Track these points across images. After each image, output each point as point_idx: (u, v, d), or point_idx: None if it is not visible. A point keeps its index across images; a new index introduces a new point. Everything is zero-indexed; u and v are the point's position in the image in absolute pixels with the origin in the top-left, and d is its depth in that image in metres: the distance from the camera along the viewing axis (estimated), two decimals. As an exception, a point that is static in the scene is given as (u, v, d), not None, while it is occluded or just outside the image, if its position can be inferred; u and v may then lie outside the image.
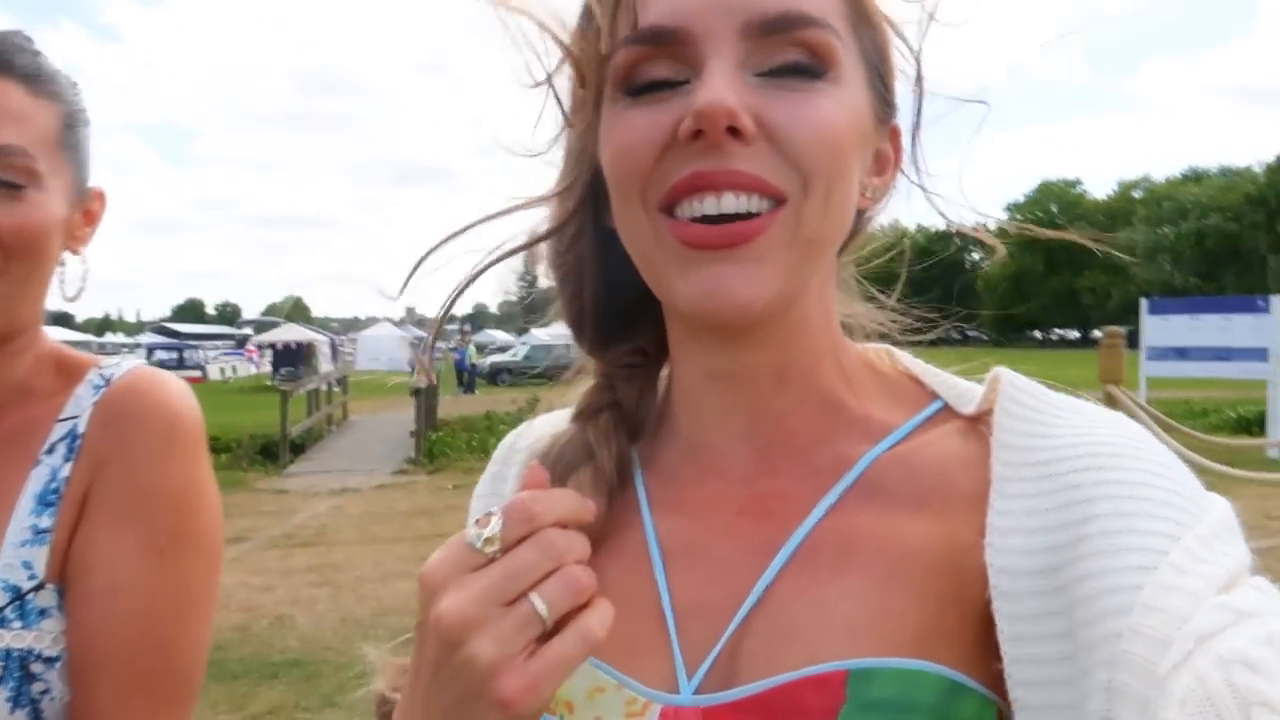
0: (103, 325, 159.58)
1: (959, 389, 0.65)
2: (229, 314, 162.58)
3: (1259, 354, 10.92)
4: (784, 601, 0.57)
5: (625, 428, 0.68)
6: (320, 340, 35.25)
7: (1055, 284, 66.68)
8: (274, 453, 14.40)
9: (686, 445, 0.67)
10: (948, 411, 0.64)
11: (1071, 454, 0.54)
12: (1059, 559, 0.50)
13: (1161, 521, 0.49)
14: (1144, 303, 12.49)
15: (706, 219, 0.56)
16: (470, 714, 0.49)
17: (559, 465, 0.64)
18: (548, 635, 0.50)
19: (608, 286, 0.69)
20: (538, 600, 0.49)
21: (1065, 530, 0.51)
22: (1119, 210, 68.02)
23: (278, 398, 14.88)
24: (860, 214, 0.66)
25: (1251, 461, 8.49)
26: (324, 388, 18.32)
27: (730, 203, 0.55)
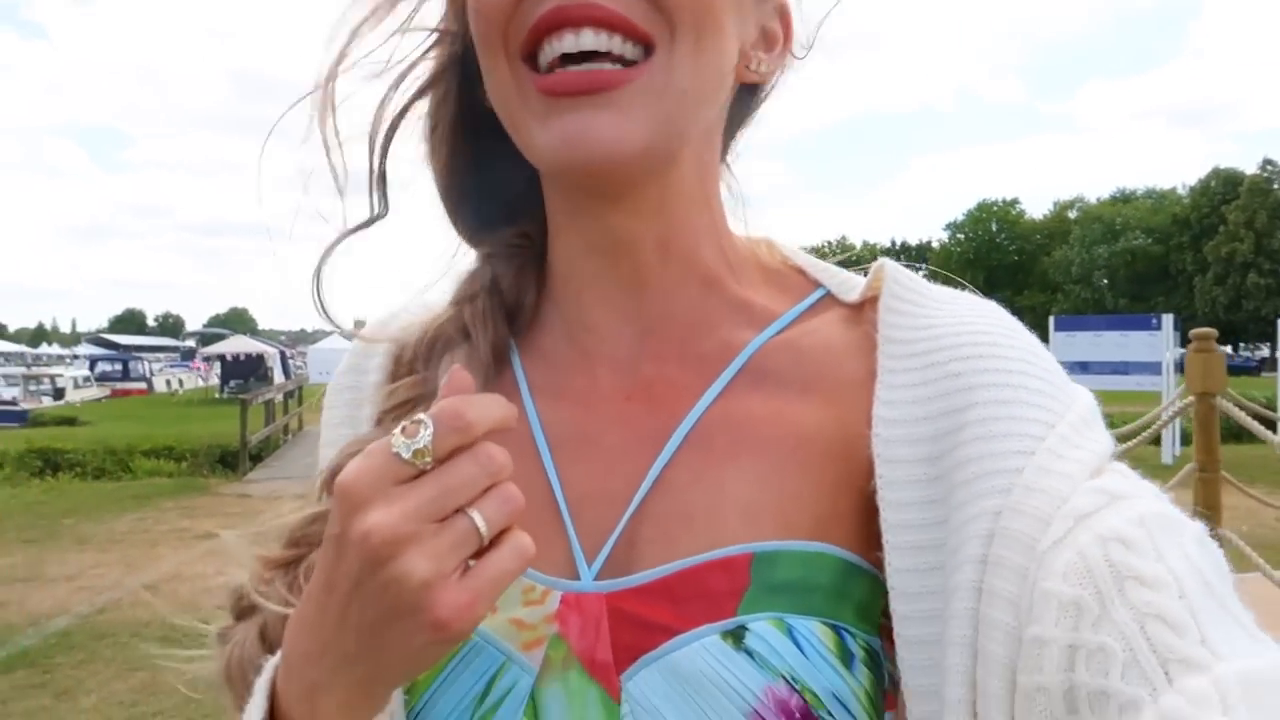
0: (37, 335, 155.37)
1: (840, 277, 0.65)
2: (171, 325, 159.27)
3: (1153, 368, 12.13)
4: (680, 486, 0.57)
5: (504, 312, 0.65)
6: (270, 353, 35.17)
7: (997, 301, 68.33)
8: (231, 462, 14.68)
9: (567, 329, 0.65)
10: (830, 299, 0.64)
11: (952, 344, 0.55)
12: (940, 447, 0.53)
13: (1036, 409, 0.52)
14: (1051, 320, 13.66)
15: (566, 60, 0.54)
16: (398, 632, 0.46)
17: (433, 347, 0.63)
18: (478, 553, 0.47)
19: (487, 170, 0.67)
20: (477, 516, 0.46)
21: (947, 418, 0.53)
22: (1056, 230, 70.23)
23: (226, 410, 15.18)
24: (752, 90, 0.67)
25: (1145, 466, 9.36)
26: (280, 399, 18.60)
27: (589, 39, 0.54)
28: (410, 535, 0.45)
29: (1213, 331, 4.30)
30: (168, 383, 43.67)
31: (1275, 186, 56.35)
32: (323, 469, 0.61)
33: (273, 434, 16.96)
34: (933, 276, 0.64)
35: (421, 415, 0.47)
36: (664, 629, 0.53)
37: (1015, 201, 73.86)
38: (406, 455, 0.46)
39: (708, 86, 0.58)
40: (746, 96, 0.67)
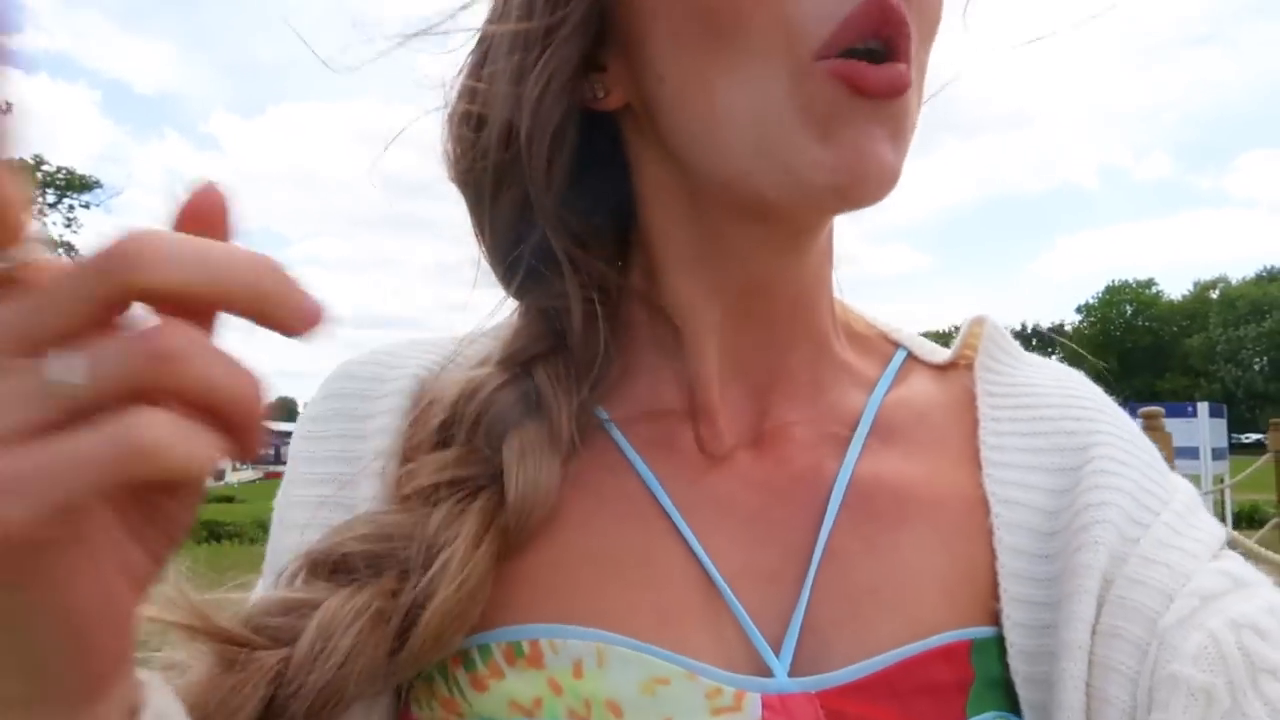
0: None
1: (916, 339, 0.61)
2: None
3: (1192, 452, 12.44)
4: (853, 557, 0.49)
5: (585, 374, 0.53)
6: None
7: (1137, 384, 65.79)
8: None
9: (675, 379, 0.55)
10: (912, 361, 0.59)
11: (1061, 402, 0.53)
12: (1059, 503, 0.50)
13: (1150, 481, 0.50)
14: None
15: (858, 54, 0.43)
16: None
17: (481, 417, 0.50)
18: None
19: (576, 193, 0.53)
20: (77, 363, 0.27)
21: (1063, 475, 0.50)
22: (1197, 312, 67.28)
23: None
24: None
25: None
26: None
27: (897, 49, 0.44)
28: None
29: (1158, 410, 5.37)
30: (314, 466, 47.01)
31: None
32: (295, 556, 0.47)
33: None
34: (1069, 360, 0.60)
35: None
36: None
37: (1150, 282, 71.30)
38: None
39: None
40: None
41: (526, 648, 0.46)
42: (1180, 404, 14.19)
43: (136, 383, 0.27)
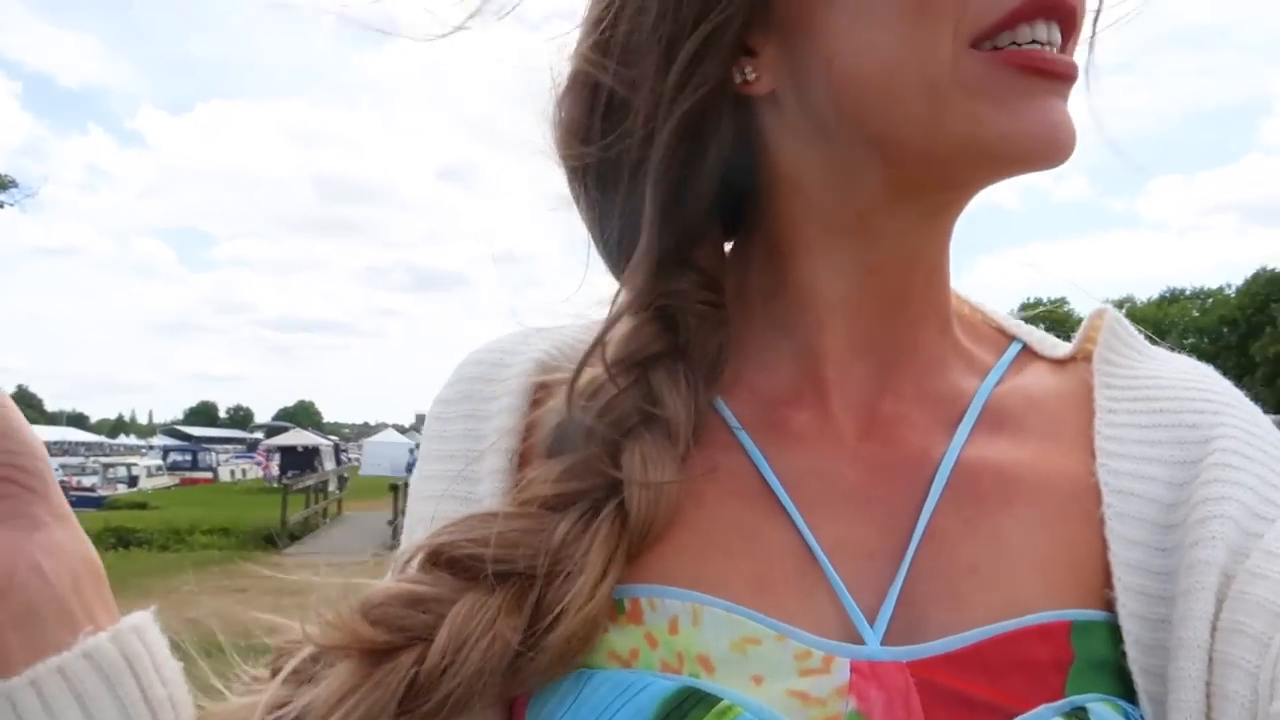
0: (116, 426, 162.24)
1: (1036, 334, 0.60)
2: (240, 418, 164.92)
3: None
4: (954, 537, 0.50)
5: (703, 377, 0.54)
6: (325, 445, 37.77)
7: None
8: (274, 541, 16.79)
9: (792, 359, 0.56)
10: (1028, 353, 0.59)
11: (1184, 395, 0.53)
12: (1176, 496, 0.49)
13: (1277, 478, 0.49)
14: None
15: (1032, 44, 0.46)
16: None
17: (605, 427, 0.51)
18: None
19: (679, 185, 0.52)
20: None
21: (1182, 469, 0.50)
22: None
23: (279, 498, 17.55)
24: None
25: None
26: (334, 486, 20.85)
27: (1043, 32, 0.47)
28: None
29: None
30: (231, 472, 46.20)
31: (1315, 288, 56.11)
32: (416, 543, 0.50)
33: (312, 516, 19.14)
34: None
35: None
36: (991, 708, 0.45)
37: (1063, 300, 73.91)
38: None
39: None
40: None
41: (628, 605, 0.49)
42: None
43: None
